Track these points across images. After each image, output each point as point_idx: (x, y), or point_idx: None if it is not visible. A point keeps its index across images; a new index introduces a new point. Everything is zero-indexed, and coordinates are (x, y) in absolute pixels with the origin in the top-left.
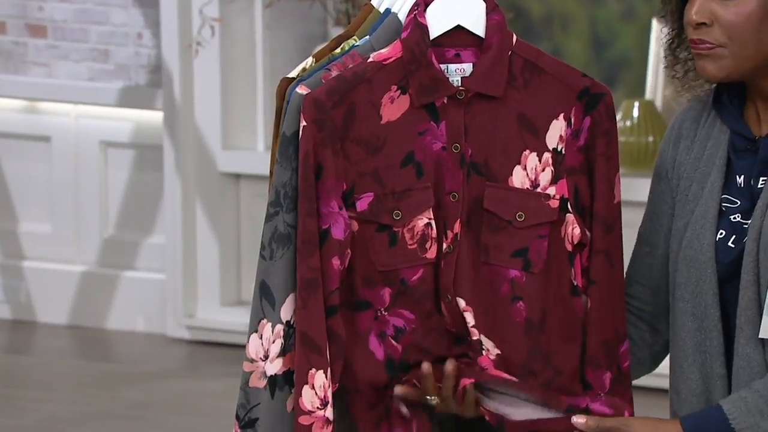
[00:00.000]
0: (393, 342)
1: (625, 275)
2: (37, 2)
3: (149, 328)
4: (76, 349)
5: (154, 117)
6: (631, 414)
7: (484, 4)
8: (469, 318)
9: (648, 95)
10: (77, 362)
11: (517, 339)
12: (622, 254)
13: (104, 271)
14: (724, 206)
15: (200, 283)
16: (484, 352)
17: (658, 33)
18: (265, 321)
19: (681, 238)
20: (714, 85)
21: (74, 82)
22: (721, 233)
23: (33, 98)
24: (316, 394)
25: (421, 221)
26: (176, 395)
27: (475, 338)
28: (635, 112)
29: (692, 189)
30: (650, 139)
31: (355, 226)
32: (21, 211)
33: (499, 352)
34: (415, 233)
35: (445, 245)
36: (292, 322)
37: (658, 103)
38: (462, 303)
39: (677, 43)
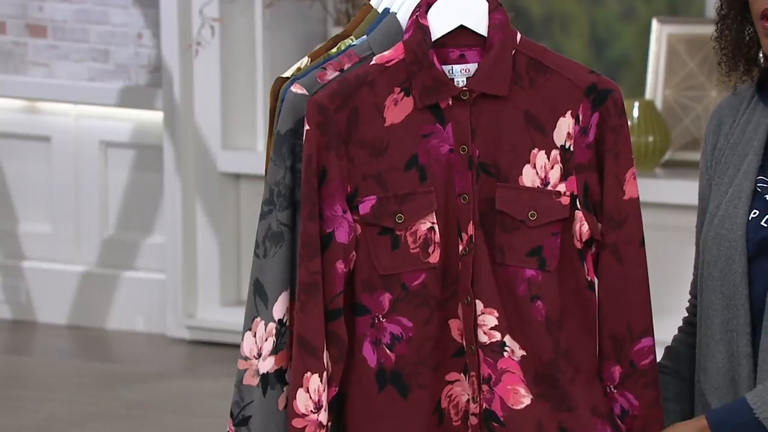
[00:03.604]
0: (387, 351)
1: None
2: (37, 2)
3: (149, 328)
4: (76, 349)
5: (154, 117)
6: (659, 418)
7: (486, 4)
8: (491, 320)
9: (648, 95)
10: (77, 362)
11: (541, 338)
12: (638, 251)
13: (104, 271)
14: (760, 186)
15: (200, 283)
16: (506, 353)
17: (658, 33)
18: (258, 319)
19: (713, 217)
20: (756, 76)
21: (74, 82)
22: (755, 212)
23: (33, 98)
24: (311, 397)
25: (423, 225)
26: (176, 395)
27: (495, 340)
28: (635, 112)
29: (728, 172)
30: (650, 139)
31: (358, 229)
32: (21, 211)
33: (524, 353)
34: (418, 237)
35: (461, 247)
36: (284, 320)
37: (658, 103)
38: (480, 305)
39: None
